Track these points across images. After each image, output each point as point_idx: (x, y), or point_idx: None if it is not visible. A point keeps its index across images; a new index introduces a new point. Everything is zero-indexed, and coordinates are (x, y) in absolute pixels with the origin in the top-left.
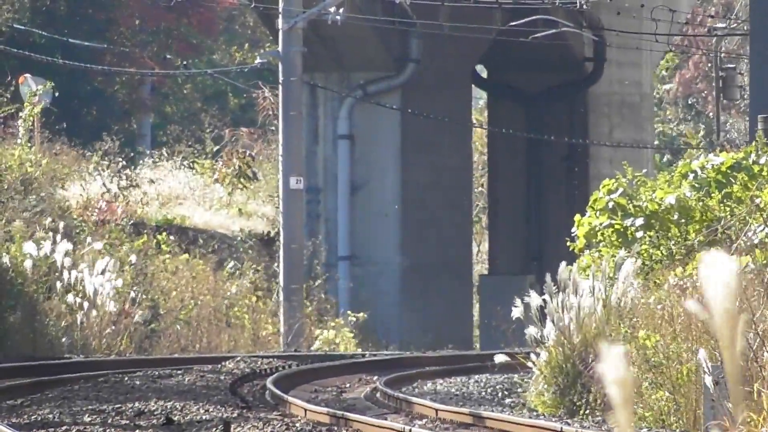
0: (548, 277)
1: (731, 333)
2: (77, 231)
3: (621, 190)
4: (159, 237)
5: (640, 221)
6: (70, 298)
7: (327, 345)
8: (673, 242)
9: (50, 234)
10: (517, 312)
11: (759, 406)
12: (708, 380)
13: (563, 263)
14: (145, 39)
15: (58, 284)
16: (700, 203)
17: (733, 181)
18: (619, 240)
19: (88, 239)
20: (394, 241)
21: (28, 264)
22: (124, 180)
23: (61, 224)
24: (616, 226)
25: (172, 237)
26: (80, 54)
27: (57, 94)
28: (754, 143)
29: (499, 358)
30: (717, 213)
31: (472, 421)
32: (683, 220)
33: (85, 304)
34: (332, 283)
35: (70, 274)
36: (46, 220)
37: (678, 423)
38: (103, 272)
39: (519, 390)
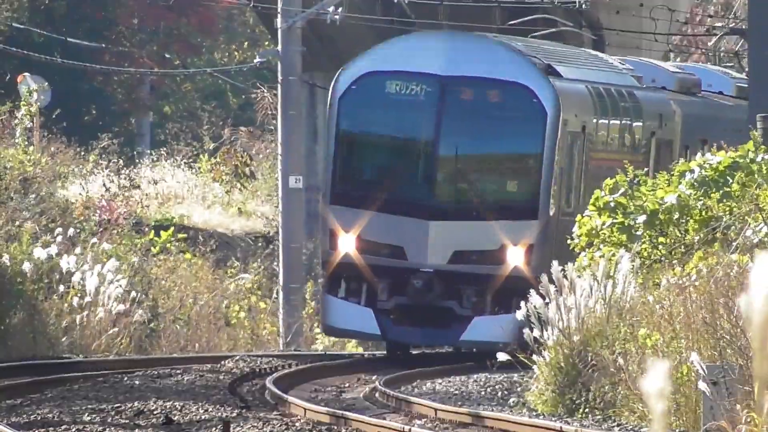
0: (545, 277)
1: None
2: (78, 231)
3: (622, 189)
4: (165, 234)
5: (642, 218)
6: (74, 299)
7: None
8: (672, 241)
9: (51, 233)
10: (519, 314)
11: (759, 406)
12: (703, 385)
13: (555, 262)
14: (144, 38)
15: (62, 285)
16: (699, 202)
17: (731, 180)
18: (622, 238)
19: (93, 240)
20: None
21: (27, 265)
22: (124, 179)
23: (71, 230)
24: (618, 225)
25: (176, 236)
26: (79, 53)
27: (49, 98)
28: (751, 142)
29: (501, 357)
30: (716, 212)
31: (471, 421)
32: (683, 220)
33: (88, 305)
34: None
35: (73, 274)
36: (46, 219)
37: (678, 422)
38: (103, 273)
39: (518, 389)
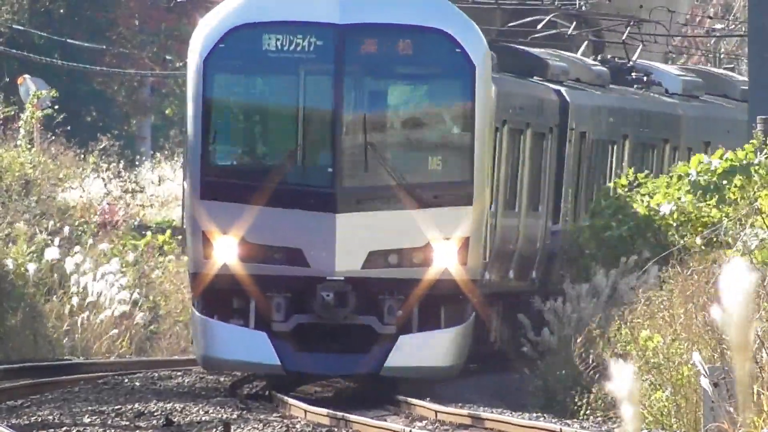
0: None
1: (744, 339)
2: (79, 233)
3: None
4: (161, 238)
5: (638, 224)
6: (75, 300)
7: None
8: (671, 244)
9: (53, 236)
10: (522, 317)
11: (759, 407)
12: (705, 382)
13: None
14: (144, 40)
15: (72, 288)
16: (698, 207)
17: (728, 184)
18: (620, 241)
19: (90, 241)
20: None
21: (31, 267)
22: (126, 182)
23: (66, 228)
24: (616, 230)
25: (176, 238)
26: (79, 55)
27: (56, 106)
28: (750, 145)
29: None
30: (714, 217)
31: (471, 422)
32: (680, 226)
33: (89, 306)
34: None
35: (76, 277)
36: (47, 222)
37: (678, 424)
38: (106, 275)
39: (519, 390)
